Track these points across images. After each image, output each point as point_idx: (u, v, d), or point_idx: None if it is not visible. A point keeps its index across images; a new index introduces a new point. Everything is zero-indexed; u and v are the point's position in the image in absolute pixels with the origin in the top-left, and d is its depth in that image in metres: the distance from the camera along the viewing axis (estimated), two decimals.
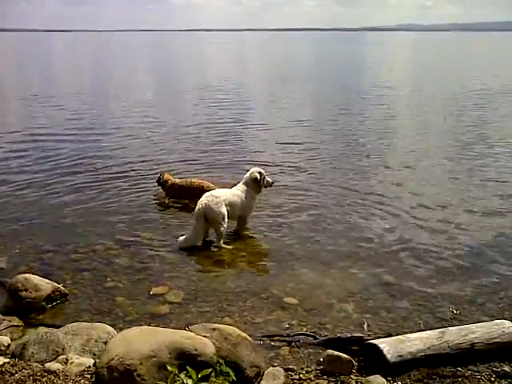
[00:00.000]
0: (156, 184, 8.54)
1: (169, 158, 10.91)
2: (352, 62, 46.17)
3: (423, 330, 4.32)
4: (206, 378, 3.20)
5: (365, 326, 4.70)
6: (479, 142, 12.66)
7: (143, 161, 10.64)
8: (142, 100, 20.40)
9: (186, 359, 3.43)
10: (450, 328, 4.29)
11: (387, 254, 6.32)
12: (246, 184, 6.92)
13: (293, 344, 4.41)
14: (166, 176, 8.50)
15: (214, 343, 3.65)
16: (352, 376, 3.94)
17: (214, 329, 3.87)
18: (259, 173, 6.94)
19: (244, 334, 3.95)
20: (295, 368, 4.06)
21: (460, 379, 3.85)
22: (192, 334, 3.74)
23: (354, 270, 5.93)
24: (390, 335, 4.32)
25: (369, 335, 4.45)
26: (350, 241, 6.71)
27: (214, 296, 5.29)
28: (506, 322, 4.35)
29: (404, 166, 10.37)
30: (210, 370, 3.10)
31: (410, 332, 4.31)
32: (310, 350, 4.36)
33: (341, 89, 24.63)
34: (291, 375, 3.94)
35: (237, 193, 6.83)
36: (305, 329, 4.66)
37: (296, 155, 11.22)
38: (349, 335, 4.39)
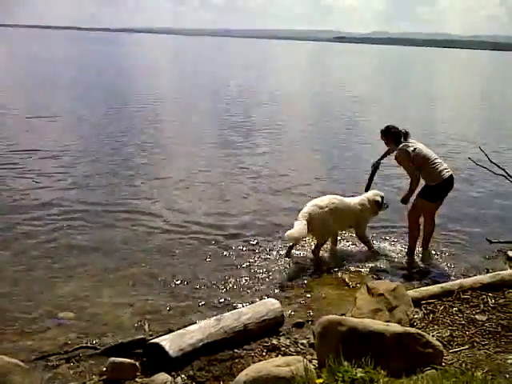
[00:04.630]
0: None
1: None
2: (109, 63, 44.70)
3: (201, 321, 4.53)
4: None
5: (146, 326, 4.72)
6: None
7: None
8: None
9: None
10: (225, 314, 4.59)
11: (161, 255, 6.44)
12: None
13: (72, 359, 4.19)
14: None
15: None
16: (137, 379, 3.94)
17: None
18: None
19: (14, 361, 3.60)
20: None
21: (237, 360, 4.15)
22: None
23: (127, 273, 5.88)
24: (171, 331, 4.42)
25: (151, 335, 4.47)
26: (116, 245, 6.66)
27: None
28: (271, 300, 4.86)
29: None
30: None
31: (190, 324, 4.48)
32: (92, 362, 4.19)
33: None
34: None
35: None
36: (84, 341, 4.47)
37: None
38: (130, 339, 4.35)
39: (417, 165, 6.32)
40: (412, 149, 6.34)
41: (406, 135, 6.52)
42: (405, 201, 6.56)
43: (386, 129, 6.64)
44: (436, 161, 6.36)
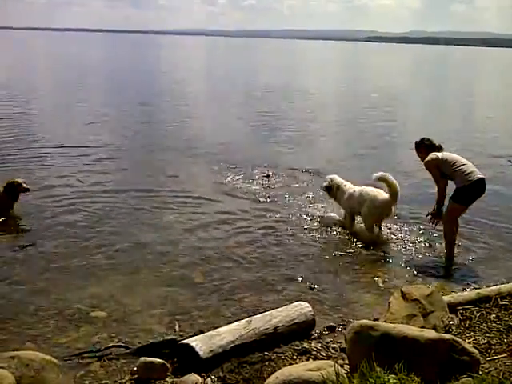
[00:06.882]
0: None
1: None
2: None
3: (232, 322, 4.51)
4: None
5: (176, 327, 4.74)
6: None
7: None
8: None
9: None
10: (256, 316, 4.56)
11: (194, 255, 6.46)
12: None
13: (104, 358, 4.24)
14: None
15: (13, 373, 3.32)
16: (167, 379, 3.95)
17: (13, 357, 3.52)
18: None
19: (48, 357, 3.68)
20: (108, 382, 3.93)
21: (267, 363, 4.11)
22: None
23: (159, 273, 5.92)
24: (201, 332, 4.42)
25: (181, 336, 4.49)
26: (151, 245, 6.70)
27: (11, 321, 4.80)
28: (302, 303, 4.80)
29: None
30: None
31: (220, 326, 4.46)
32: (123, 361, 4.23)
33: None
34: None
35: None
36: (116, 340, 4.51)
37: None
38: (161, 339, 4.38)
39: (445, 169, 6.31)
40: (441, 155, 6.41)
41: (440, 148, 6.58)
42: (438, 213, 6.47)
43: (420, 140, 6.78)
44: (463, 163, 6.30)
